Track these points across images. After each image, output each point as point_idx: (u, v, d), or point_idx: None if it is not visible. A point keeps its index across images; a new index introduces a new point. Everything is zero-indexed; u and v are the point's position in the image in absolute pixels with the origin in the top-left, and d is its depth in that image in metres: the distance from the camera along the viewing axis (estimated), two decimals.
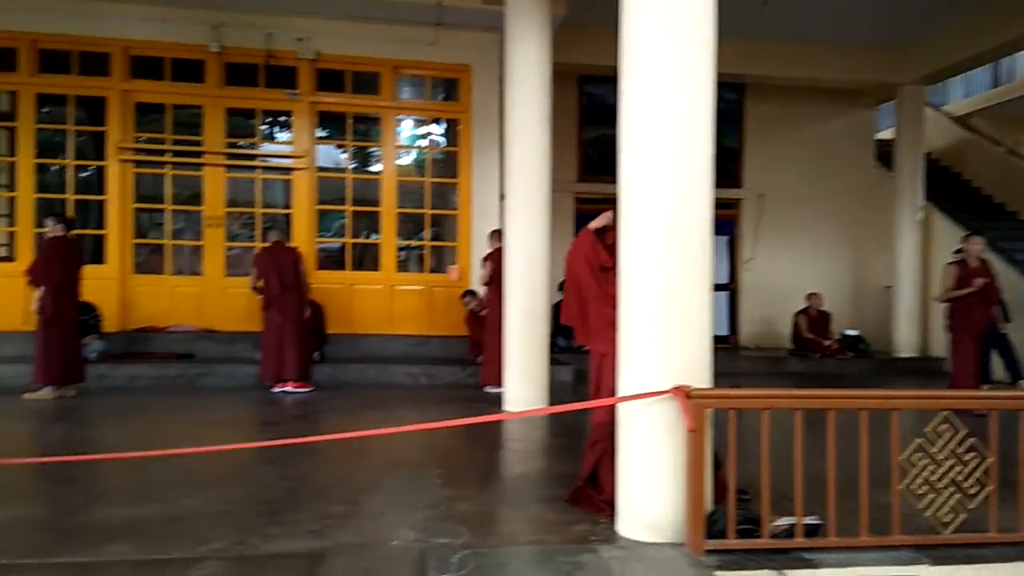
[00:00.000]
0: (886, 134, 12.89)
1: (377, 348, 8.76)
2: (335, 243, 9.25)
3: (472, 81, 8.95)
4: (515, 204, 6.58)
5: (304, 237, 8.65)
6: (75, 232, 7.10)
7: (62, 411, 6.20)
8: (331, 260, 9.10)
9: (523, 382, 6.43)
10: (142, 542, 2.95)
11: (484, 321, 7.78)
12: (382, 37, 8.62)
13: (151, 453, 3.99)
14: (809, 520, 3.08)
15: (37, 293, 6.61)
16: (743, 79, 10.92)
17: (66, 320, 6.72)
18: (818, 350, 10.28)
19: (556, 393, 6.68)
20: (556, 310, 7.17)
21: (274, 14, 8.33)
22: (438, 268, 9.35)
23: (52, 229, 6.75)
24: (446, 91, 9.23)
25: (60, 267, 6.66)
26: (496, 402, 6.67)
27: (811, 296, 10.64)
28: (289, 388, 7.17)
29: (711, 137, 3.25)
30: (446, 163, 9.38)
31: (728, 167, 11.38)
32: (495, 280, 7.18)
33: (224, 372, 7.73)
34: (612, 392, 3.46)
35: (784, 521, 3.08)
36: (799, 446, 3.06)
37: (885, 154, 11.96)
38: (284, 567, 2.80)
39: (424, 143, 9.52)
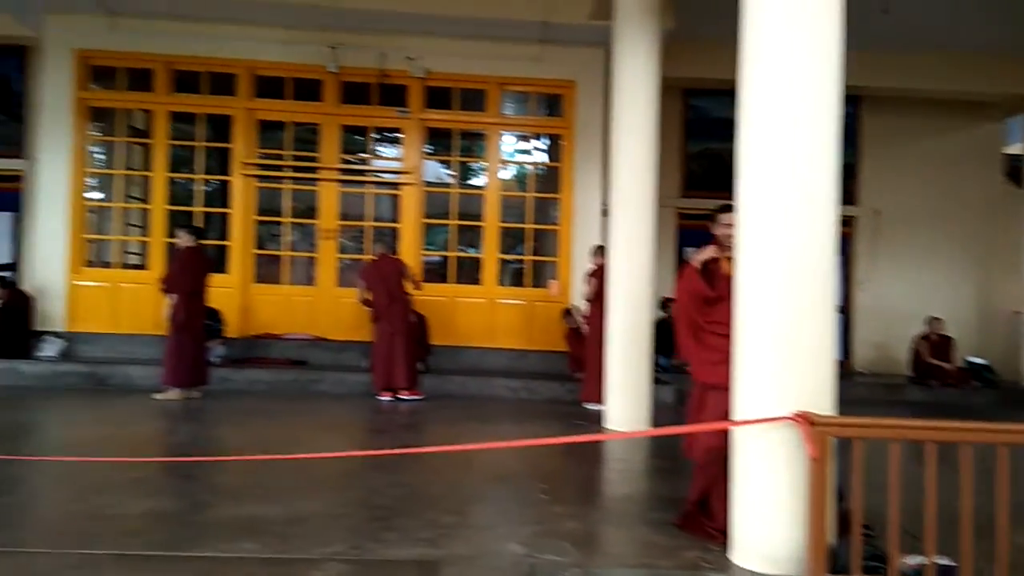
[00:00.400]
0: (1015, 148, 12.03)
1: (478, 361, 8.88)
2: (439, 256, 9.46)
3: (576, 97, 8.99)
4: (619, 219, 6.55)
5: (411, 250, 8.90)
6: (203, 242, 7.57)
7: (188, 412, 6.61)
8: (435, 273, 9.32)
9: (625, 401, 6.36)
10: (268, 541, 3.10)
11: (585, 337, 7.76)
12: (489, 55, 8.80)
13: (272, 456, 4.20)
14: (942, 561, 2.89)
15: (169, 300, 7.08)
16: (859, 91, 10.46)
17: (195, 326, 7.17)
18: (941, 378, 9.66)
19: (657, 413, 6.57)
20: (660, 328, 7.08)
21: (388, 35, 8.66)
22: (539, 283, 9.41)
23: (183, 240, 7.23)
24: (550, 107, 9.32)
25: (190, 276, 7.12)
26: (595, 419, 6.63)
27: (932, 320, 10.02)
28: (403, 396, 7.36)
29: (837, 152, 3.14)
30: (548, 178, 9.45)
31: (842, 183, 10.92)
32: (598, 297, 7.16)
33: (335, 379, 8.03)
34: (717, 419, 3.40)
35: (914, 560, 2.91)
36: (933, 481, 2.89)
37: (1014, 170, 11.16)
38: (400, 573, 2.88)
39: (527, 158, 9.62)
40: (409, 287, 7.56)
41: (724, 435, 3.35)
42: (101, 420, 6.21)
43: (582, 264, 8.81)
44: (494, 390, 8.10)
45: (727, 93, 9.92)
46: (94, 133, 8.95)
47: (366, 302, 7.58)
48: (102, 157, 9.15)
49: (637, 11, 6.40)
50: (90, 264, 8.86)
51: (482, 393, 8.03)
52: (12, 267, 10.35)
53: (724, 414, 3.37)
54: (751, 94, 3.22)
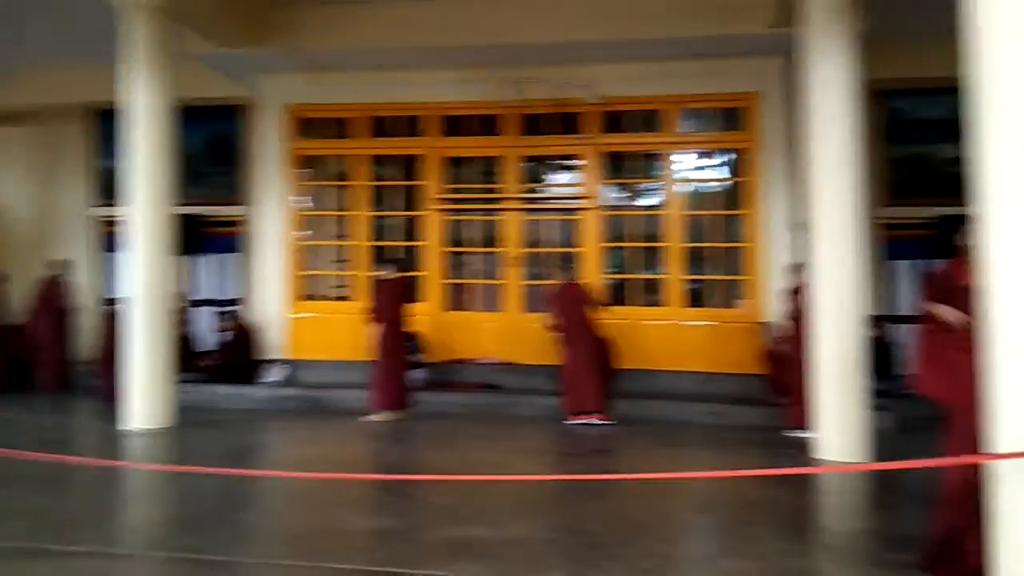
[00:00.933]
0: None
1: (665, 384, 8.67)
2: (621, 278, 9.41)
3: (758, 108, 8.64)
4: (820, 235, 6.16)
5: (593, 274, 8.93)
6: (406, 273, 8.07)
7: (396, 433, 7.03)
8: (618, 296, 9.26)
9: (837, 428, 5.92)
10: (489, 562, 3.19)
11: (786, 359, 7.36)
12: (664, 74, 8.70)
13: (482, 478, 4.34)
14: None
15: (375, 329, 7.60)
16: None
17: (399, 353, 7.65)
18: None
19: (875, 442, 6.05)
20: (877, 348, 6.55)
21: (564, 65, 8.82)
22: (726, 303, 9.07)
23: (388, 272, 7.77)
24: (730, 121, 9.02)
25: (394, 305, 7.61)
26: (800, 447, 6.24)
27: None
28: (594, 420, 7.37)
29: None
30: (732, 195, 9.12)
31: None
32: (798, 317, 6.77)
33: (527, 403, 8.20)
34: (968, 447, 3.05)
35: None
36: None
37: None
38: None
39: (708, 175, 9.36)
40: (594, 311, 7.58)
41: (975, 468, 3.00)
42: (320, 440, 6.78)
43: (773, 281, 8.41)
44: (685, 415, 7.87)
45: (932, 92, 9.10)
46: (303, 180, 9.85)
47: (554, 328, 7.68)
48: (310, 202, 10.02)
49: (827, 14, 6.04)
50: (304, 298, 9.73)
51: (672, 418, 7.82)
52: (238, 303, 11.65)
53: (975, 441, 3.02)
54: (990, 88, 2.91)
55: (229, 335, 9.48)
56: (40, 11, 8.56)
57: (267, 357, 9.45)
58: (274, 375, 9.21)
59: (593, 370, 7.44)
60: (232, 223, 11.66)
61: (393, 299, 7.65)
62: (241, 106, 11.34)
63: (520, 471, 5.31)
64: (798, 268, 7.15)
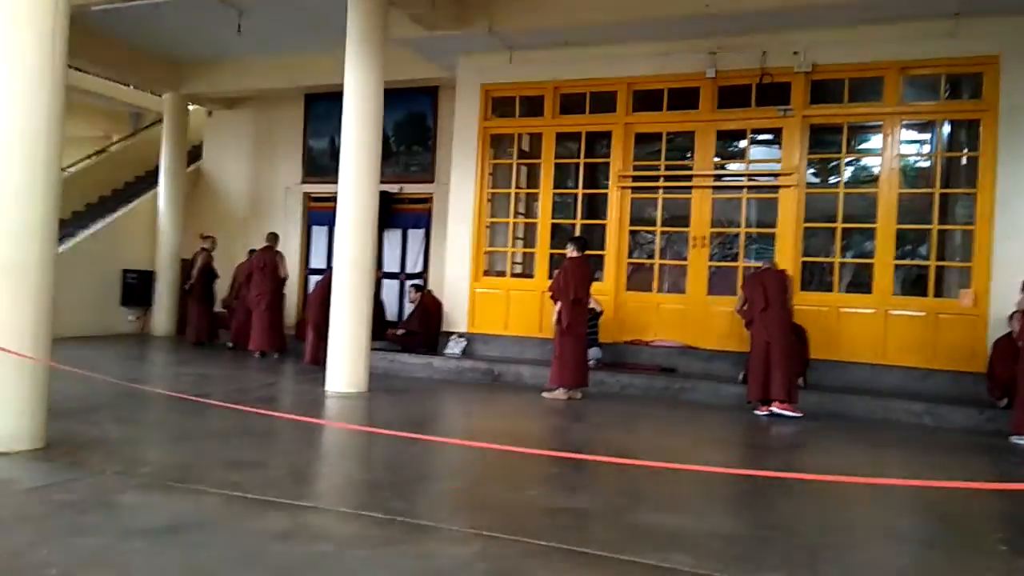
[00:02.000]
0: None
1: (867, 379, 7.98)
2: (823, 262, 8.74)
3: (999, 74, 7.58)
4: None
5: (789, 256, 8.34)
6: (587, 252, 7.98)
7: (574, 411, 7.00)
8: (818, 281, 8.62)
9: None
10: (700, 556, 3.02)
11: (1017, 355, 6.48)
12: (887, 37, 7.87)
13: (681, 466, 4.17)
14: None
15: (556, 307, 7.59)
16: None
17: (579, 331, 7.60)
18: None
19: None
20: None
21: (770, 32, 8.25)
22: (945, 292, 8.14)
23: (571, 251, 7.72)
24: (963, 88, 8.01)
25: (576, 284, 7.55)
26: None
27: None
28: (775, 409, 6.93)
29: None
30: (962, 171, 8.12)
31: None
32: None
33: (707, 389, 7.88)
34: None
35: None
36: None
37: None
38: None
39: (930, 150, 8.41)
40: (791, 298, 7.09)
41: None
42: (503, 414, 6.90)
43: (1007, 269, 7.41)
44: (890, 413, 7.20)
45: None
46: (497, 158, 10.02)
47: (742, 312, 7.28)
48: (503, 178, 10.19)
49: None
50: (487, 274, 9.95)
51: (874, 415, 7.19)
52: (421, 276, 12.19)
53: None
54: None
55: (417, 307, 9.91)
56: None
57: (450, 329, 9.78)
58: (455, 347, 9.51)
59: (781, 356, 6.94)
60: (421, 200, 12.21)
61: (575, 278, 7.58)
62: (436, 87, 11.78)
63: (706, 461, 5.07)
64: None
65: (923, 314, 7.97)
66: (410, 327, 9.67)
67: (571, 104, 9.53)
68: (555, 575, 2.74)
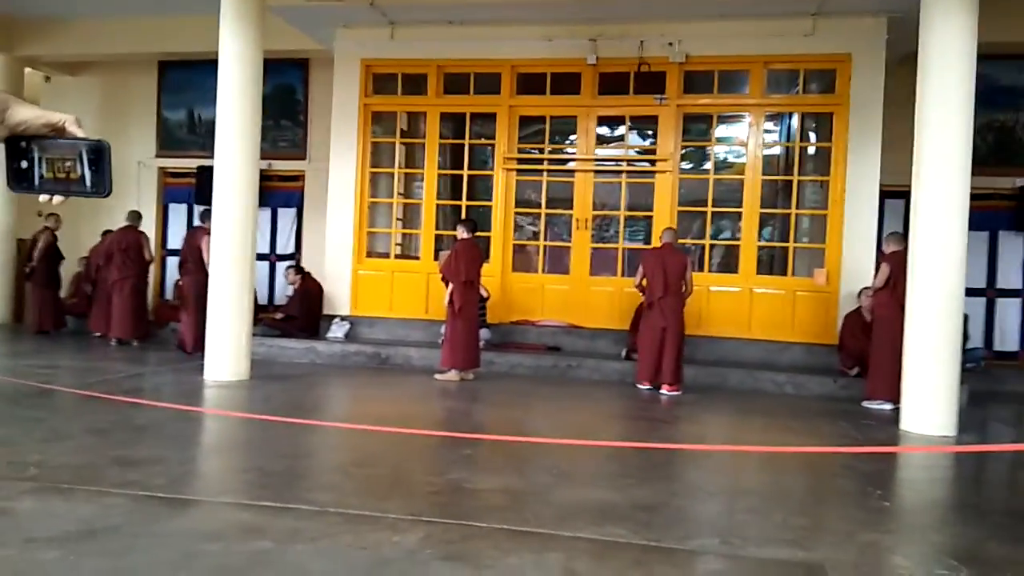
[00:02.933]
0: None
1: (735, 352, 8.58)
2: (694, 244, 9.26)
3: (851, 71, 8.33)
4: (925, 201, 5.96)
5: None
6: (477, 234, 7.99)
7: (470, 392, 7.03)
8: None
9: (927, 400, 5.82)
10: (632, 527, 3.15)
11: (869, 328, 7.23)
12: (753, 33, 8.39)
13: (595, 443, 4.31)
14: None
15: (447, 289, 7.56)
16: None
17: (470, 313, 7.61)
18: None
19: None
20: None
21: (648, 22, 8.56)
22: (803, 271, 8.89)
23: (460, 232, 7.69)
24: (820, 83, 8.72)
25: (467, 266, 7.55)
26: (885, 420, 6.18)
27: None
28: (663, 391, 7.29)
29: None
30: (817, 160, 8.87)
31: None
32: (890, 286, 6.64)
33: (591, 366, 8.16)
34: None
35: None
36: None
37: None
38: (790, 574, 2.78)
39: (792, 139, 9.11)
40: (687, 284, 7.42)
41: None
42: (401, 397, 6.80)
43: (856, 250, 8.21)
44: (758, 383, 7.79)
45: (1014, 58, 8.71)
46: (377, 136, 9.75)
47: (641, 288, 7.53)
48: (384, 157, 9.94)
49: None
50: (370, 255, 9.71)
51: (745, 387, 7.74)
52: (293, 257, 11.70)
53: None
54: None
55: (295, 290, 9.52)
56: None
57: (332, 313, 9.48)
58: (338, 330, 9.25)
59: (674, 342, 7.28)
60: (292, 178, 11.68)
61: (465, 259, 7.57)
62: (307, 60, 11.26)
63: (609, 435, 5.29)
64: (893, 236, 7.00)
65: (782, 292, 8.67)
66: (289, 311, 9.28)
67: (456, 84, 9.45)
68: (507, 555, 2.76)
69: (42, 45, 11.42)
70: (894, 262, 6.66)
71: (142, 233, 9.63)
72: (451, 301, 7.52)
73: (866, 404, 6.91)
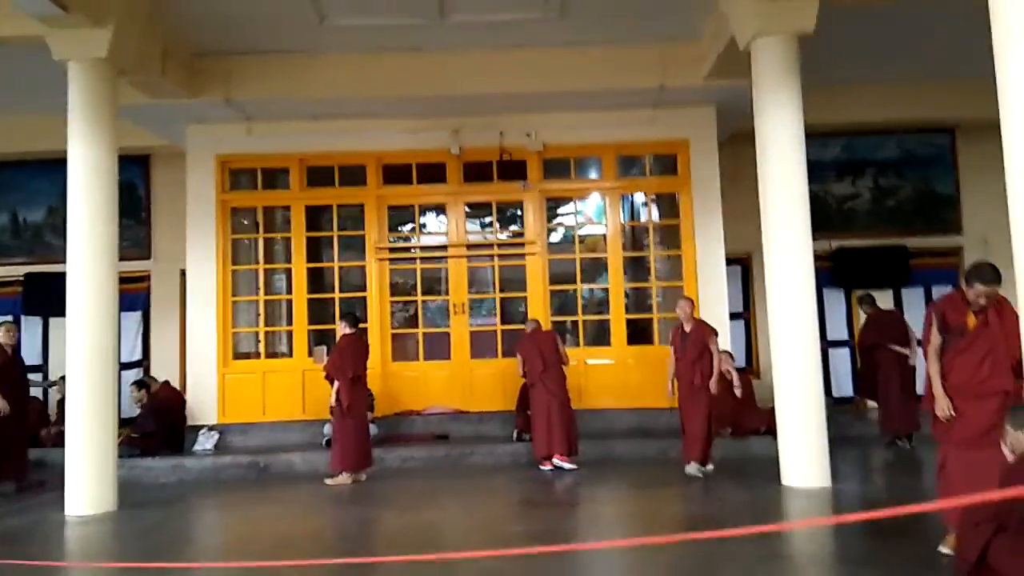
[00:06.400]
0: None
1: (615, 422, 8.85)
2: (568, 320, 9.62)
3: (690, 154, 9.21)
4: (777, 265, 6.58)
5: (540, 316, 9.05)
6: (360, 327, 7.82)
7: (367, 496, 6.73)
8: (566, 337, 9.44)
9: (802, 453, 6.38)
10: None
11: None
12: (603, 123, 9.09)
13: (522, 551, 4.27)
14: None
15: (333, 387, 7.30)
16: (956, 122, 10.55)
17: (359, 410, 7.38)
18: None
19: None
20: None
21: (507, 114, 9.01)
22: (666, 340, 9.46)
23: (342, 328, 7.50)
24: (664, 165, 9.55)
25: (352, 362, 7.34)
26: (769, 477, 6.63)
27: None
28: (556, 461, 7.40)
29: None
30: (665, 234, 9.62)
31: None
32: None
33: (484, 451, 8.14)
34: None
35: None
36: None
37: None
38: None
39: (647, 219, 9.83)
40: (563, 357, 7.69)
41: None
42: (291, 513, 6.36)
43: (711, 315, 8.85)
44: (642, 450, 8.08)
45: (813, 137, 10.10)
46: (237, 232, 9.37)
47: (524, 375, 7.73)
48: (245, 254, 9.53)
49: (777, 65, 6.56)
50: (236, 357, 9.18)
51: (631, 455, 7.98)
52: (141, 364, 10.80)
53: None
54: None
55: (151, 400, 8.74)
56: None
57: (197, 423, 8.80)
58: (207, 442, 8.59)
59: (561, 413, 7.51)
60: (136, 279, 10.87)
61: (351, 355, 7.38)
62: (148, 156, 10.68)
63: (522, 535, 5.22)
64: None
65: (652, 360, 9.15)
66: (145, 428, 8.45)
67: (320, 177, 9.36)
68: None
69: None
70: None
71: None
72: (338, 399, 7.26)
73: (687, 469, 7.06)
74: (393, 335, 9.32)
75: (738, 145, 9.39)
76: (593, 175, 9.61)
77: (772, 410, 6.88)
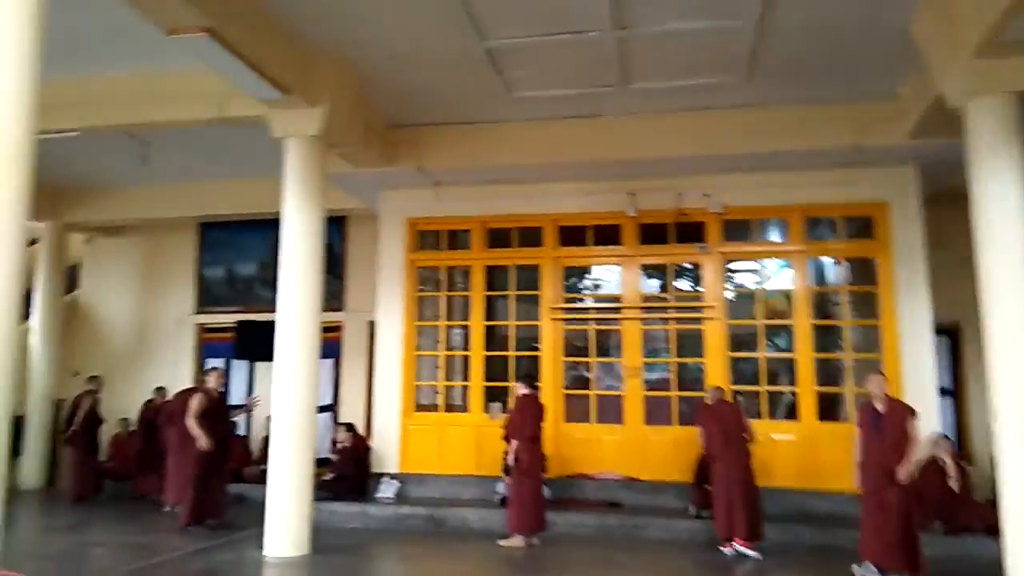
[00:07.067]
0: None
1: (802, 504, 8.21)
2: (750, 390, 9.14)
3: (889, 217, 8.57)
4: (998, 333, 5.87)
5: (722, 384, 8.68)
6: (537, 389, 7.89)
7: (543, 564, 6.70)
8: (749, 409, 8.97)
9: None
10: None
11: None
12: (790, 184, 8.71)
13: None
14: None
15: (512, 446, 7.38)
16: None
17: (536, 471, 7.40)
18: None
19: None
20: None
21: (684, 176, 8.89)
22: None
23: (521, 388, 7.62)
24: (856, 228, 8.94)
25: (531, 422, 7.41)
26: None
27: None
28: (737, 546, 6.95)
29: None
30: (860, 303, 8.94)
31: None
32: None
33: (660, 525, 7.80)
34: None
35: None
36: None
37: None
38: None
39: (836, 284, 9.23)
40: (747, 434, 7.28)
41: None
42: (468, 572, 6.45)
43: (913, 389, 8.06)
44: (834, 540, 7.40)
45: None
46: (422, 290, 9.88)
47: (706, 446, 7.40)
48: (429, 310, 10.02)
49: (995, 125, 5.93)
50: (419, 408, 9.60)
51: (819, 543, 7.37)
52: (332, 408, 11.56)
53: None
54: None
55: (343, 447, 9.30)
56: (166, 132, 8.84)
57: (380, 470, 9.23)
58: (388, 490, 8.97)
59: (741, 492, 7.02)
60: (330, 328, 11.74)
61: (528, 415, 7.46)
62: (342, 216, 11.63)
63: None
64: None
65: (845, 438, 8.44)
66: (341, 471, 8.99)
67: (499, 238, 9.69)
68: None
69: (85, 211, 11.83)
70: None
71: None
72: (517, 459, 7.32)
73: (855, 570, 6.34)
74: (566, 395, 9.32)
75: (941, 205, 8.65)
76: (776, 237, 9.18)
77: (992, 503, 6.07)
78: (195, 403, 7.97)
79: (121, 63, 7.55)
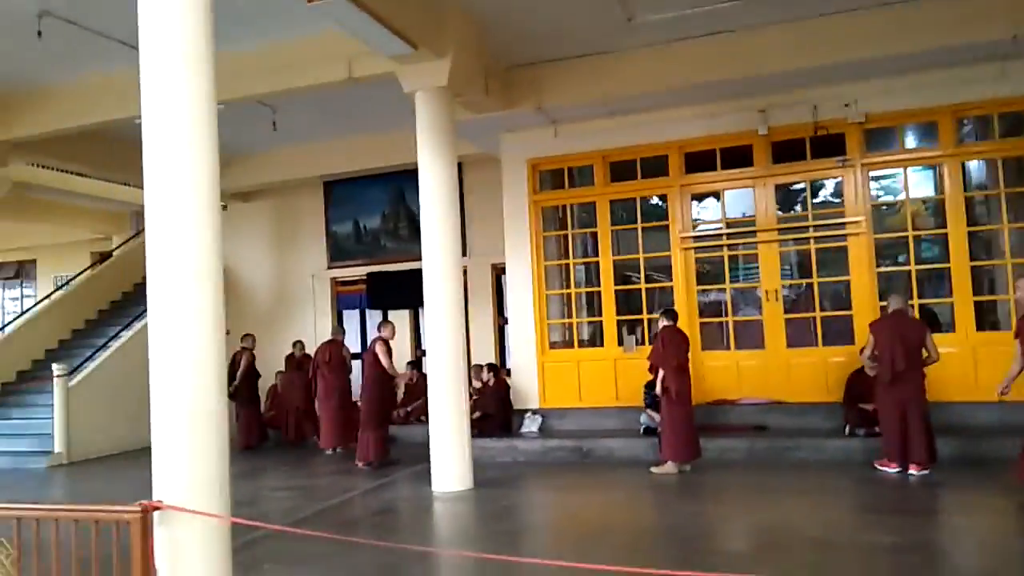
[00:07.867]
0: None
1: (966, 416, 7.89)
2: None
3: None
4: None
5: (866, 303, 8.39)
6: (676, 319, 7.86)
7: (702, 489, 6.80)
8: None
9: None
10: None
11: None
12: (936, 84, 8.10)
13: None
14: None
15: (659, 376, 7.44)
16: None
17: (687, 399, 7.45)
18: None
19: None
20: None
21: (819, 86, 8.42)
22: None
23: (663, 322, 7.64)
24: (1012, 126, 8.26)
25: (675, 352, 7.44)
26: None
27: None
28: (912, 471, 6.74)
29: None
30: (1019, 205, 8.33)
31: None
32: None
33: (810, 446, 7.74)
34: None
35: None
36: None
37: None
38: None
39: (993, 187, 8.61)
40: (932, 352, 6.87)
41: None
42: (636, 501, 6.65)
43: None
44: (1005, 450, 7.11)
45: None
46: (548, 229, 9.94)
47: (871, 359, 6.99)
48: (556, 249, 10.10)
49: None
50: (553, 345, 9.78)
51: (998, 454, 7.01)
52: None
53: None
54: None
55: (487, 386, 9.64)
56: (290, 98, 9.16)
57: (522, 407, 9.54)
58: (532, 425, 9.27)
59: (918, 416, 6.70)
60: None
61: (671, 346, 7.47)
62: (459, 164, 11.73)
63: (896, 542, 4.90)
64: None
65: (1006, 347, 8.00)
66: (486, 409, 9.36)
67: (622, 171, 9.56)
68: None
69: (226, 180, 12.40)
70: None
71: (344, 346, 10.15)
72: (666, 389, 7.38)
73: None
74: (701, 324, 9.25)
75: None
76: (923, 143, 8.60)
77: None
78: (382, 351, 8.55)
79: (248, 40, 7.86)
